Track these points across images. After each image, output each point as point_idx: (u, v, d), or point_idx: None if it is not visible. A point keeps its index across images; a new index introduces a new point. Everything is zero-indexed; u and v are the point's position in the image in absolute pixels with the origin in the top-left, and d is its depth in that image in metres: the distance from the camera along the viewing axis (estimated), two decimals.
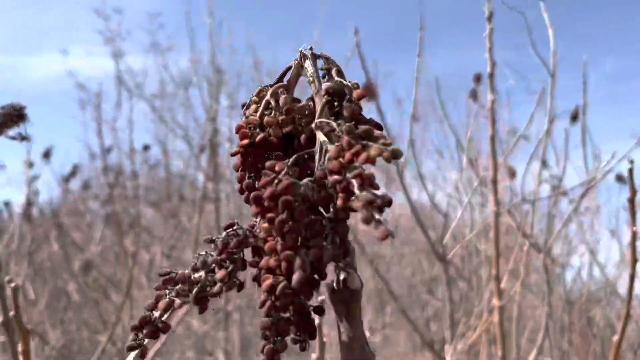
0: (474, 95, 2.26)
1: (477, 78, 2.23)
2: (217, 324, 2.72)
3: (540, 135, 2.14)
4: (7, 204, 2.58)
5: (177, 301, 0.44)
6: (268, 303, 0.43)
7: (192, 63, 3.16)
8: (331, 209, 0.44)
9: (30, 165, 2.65)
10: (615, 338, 1.06)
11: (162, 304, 0.44)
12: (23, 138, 1.01)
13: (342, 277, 0.44)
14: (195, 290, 0.43)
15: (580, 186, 2.16)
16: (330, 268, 0.45)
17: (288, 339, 0.45)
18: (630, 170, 1.02)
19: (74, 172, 2.92)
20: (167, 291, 0.44)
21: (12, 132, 1.02)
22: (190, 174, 3.36)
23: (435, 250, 1.96)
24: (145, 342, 0.44)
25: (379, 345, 2.68)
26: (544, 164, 2.75)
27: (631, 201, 1.02)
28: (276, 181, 0.42)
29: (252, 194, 0.43)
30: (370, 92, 2.00)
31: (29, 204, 2.66)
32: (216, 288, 0.43)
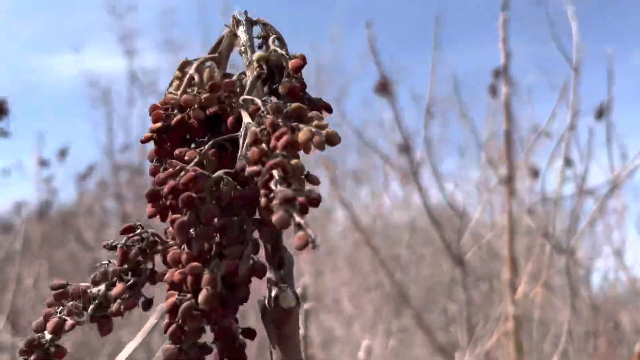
0: (493, 90, 2.17)
1: (497, 73, 2.14)
2: None
3: (564, 132, 2.05)
4: (19, 205, 2.58)
5: (69, 321, 0.36)
6: (173, 327, 0.35)
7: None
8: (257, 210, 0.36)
9: (45, 164, 2.64)
10: (638, 347, 0.99)
11: (50, 325, 0.36)
12: (3, 133, 0.99)
13: (274, 293, 0.36)
14: (90, 308, 0.36)
15: (605, 185, 2.07)
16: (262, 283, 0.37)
17: None
18: None
19: (88, 172, 2.92)
20: (60, 308, 0.37)
21: None
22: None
23: (451, 251, 1.89)
24: None
25: (396, 348, 2.61)
26: (567, 162, 2.65)
27: None
28: (181, 173, 0.35)
29: (147, 190, 0.35)
30: (384, 87, 1.94)
31: (43, 204, 2.66)
32: (114, 306, 0.36)
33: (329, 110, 0.38)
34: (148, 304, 0.37)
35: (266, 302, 0.37)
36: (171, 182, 0.34)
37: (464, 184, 2.95)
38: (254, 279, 0.36)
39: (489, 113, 2.53)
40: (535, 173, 2.69)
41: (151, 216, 0.36)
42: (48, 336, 0.36)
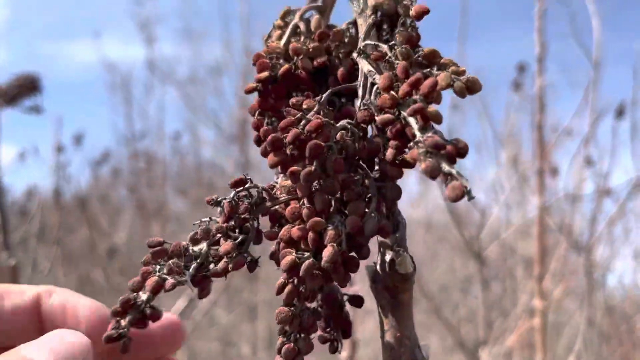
0: (516, 86, 2.14)
1: (521, 68, 2.12)
2: (243, 316, 2.68)
3: (585, 131, 2.02)
4: (32, 191, 2.58)
5: (170, 281, 0.33)
6: (289, 287, 0.32)
7: (225, 48, 3.12)
8: (377, 165, 0.33)
9: (61, 149, 2.64)
10: None
11: (150, 283, 0.33)
12: (37, 110, 0.98)
13: (388, 258, 0.33)
14: (192, 267, 0.33)
15: (627, 185, 2.04)
16: (372, 245, 0.34)
17: (314, 336, 0.34)
18: None
19: (104, 157, 2.92)
20: (158, 267, 0.34)
21: (27, 103, 0.98)
22: (220, 162, 3.33)
23: (470, 247, 1.86)
24: (127, 332, 0.33)
25: None
26: (589, 161, 2.62)
27: None
28: (303, 121, 0.31)
29: (269, 137, 0.32)
30: None
31: (58, 189, 2.66)
32: (220, 265, 0.33)
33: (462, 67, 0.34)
34: (255, 265, 0.34)
35: (379, 267, 0.33)
36: (294, 130, 0.31)
37: (481, 182, 2.92)
38: None
39: (509, 109, 2.50)
40: (555, 172, 2.66)
41: (273, 166, 0.33)
42: (144, 296, 0.33)
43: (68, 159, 2.68)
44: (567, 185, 2.16)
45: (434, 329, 2.67)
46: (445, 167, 0.26)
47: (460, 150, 0.27)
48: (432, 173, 0.26)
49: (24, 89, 0.94)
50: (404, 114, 0.29)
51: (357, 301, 0.35)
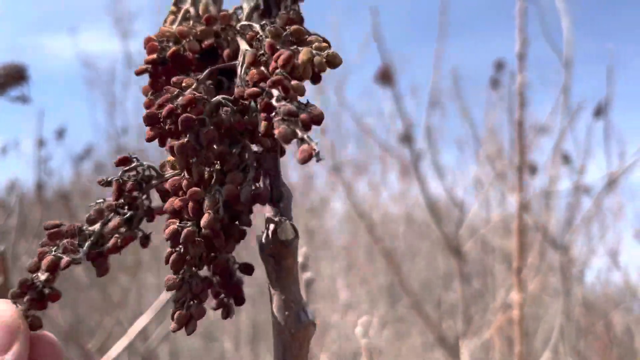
0: (494, 84, 2.18)
1: (499, 65, 2.16)
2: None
3: (560, 129, 2.07)
4: (13, 184, 2.56)
5: (65, 259, 0.34)
6: (174, 256, 0.34)
7: None
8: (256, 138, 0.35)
9: (42, 144, 2.63)
10: None
11: (45, 262, 0.34)
12: (24, 99, 0.98)
13: (271, 226, 0.35)
14: (86, 244, 0.34)
15: (602, 181, 2.09)
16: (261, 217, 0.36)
17: (207, 304, 0.36)
18: None
19: (86, 152, 2.90)
20: (54, 248, 0.35)
21: (14, 92, 0.98)
22: None
23: (449, 243, 1.90)
24: (30, 313, 0.34)
25: (391, 338, 2.63)
26: (565, 158, 2.67)
27: None
28: (179, 98, 0.33)
29: (145, 113, 0.34)
30: (386, 75, 1.94)
31: (40, 184, 2.64)
32: (111, 241, 0.34)
33: (327, 43, 0.36)
34: (146, 239, 0.36)
35: (264, 236, 0.35)
36: (169, 105, 0.33)
37: (462, 178, 2.96)
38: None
39: (489, 107, 2.54)
40: (533, 171, 2.70)
41: (149, 140, 0.35)
42: (42, 277, 0.34)
43: (50, 154, 2.67)
44: (543, 182, 2.21)
45: (417, 324, 2.70)
46: (299, 132, 0.28)
47: (314, 118, 0.29)
48: (286, 138, 0.28)
49: (10, 78, 0.94)
50: (266, 87, 0.31)
51: (247, 269, 0.37)
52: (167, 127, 0.34)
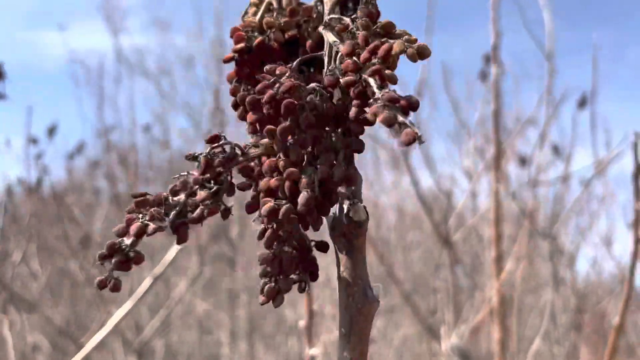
0: (483, 76, 2.20)
1: (487, 58, 2.17)
2: (222, 304, 2.70)
3: (544, 120, 2.09)
4: (5, 181, 2.56)
5: (151, 226, 0.36)
6: (269, 232, 0.37)
7: (196, 39, 3.12)
8: (344, 123, 0.37)
9: (34, 141, 2.63)
10: (616, 320, 1.02)
11: (134, 228, 0.36)
12: (1, 96, 0.99)
13: (345, 207, 0.37)
14: (172, 214, 0.36)
15: (589, 169, 2.11)
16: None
17: (292, 278, 0.38)
18: (636, 145, 0.98)
19: (78, 149, 2.91)
20: (141, 215, 0.37)
21: None
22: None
23: (439, 232, 1.92)
24: (114, 275, 0.37)
25: (383, 328, 2.65)
26: (555, 149, 2.70)
27: (636, 177, 0.98)
28: (278, 84, 0.36)
29: (247, 98, 0.37)
30: None
31: (36, 181, 2.65)
32: (197, 212, 0.37)
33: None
34: (227, 212, 0.38)
35: (337, 216, 0.38)
36: (270, 92, 0.36)
37: (452, 170, 2.99)
38: None
39: (478, 99, 2.56)
40: (523, 161, 2.73)
41: (252, 124, 0.37)
42: (128, 241, 0.36)
43: (41, 151, 2.67)
44: (531, 172, 2.24)
45: (407, 315, 2.73)
46: (400, 117, 0.31)
47: (412, 104, 0.32)
48: (389, 122, 0.31)
49: None
50: (364, 76, 0.34)
51: (323, 246, 0.40)
52: (266, 111, 0.36)
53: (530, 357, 1.93)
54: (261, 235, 0.37)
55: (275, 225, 0.37)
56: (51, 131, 2.76)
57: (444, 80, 2.32)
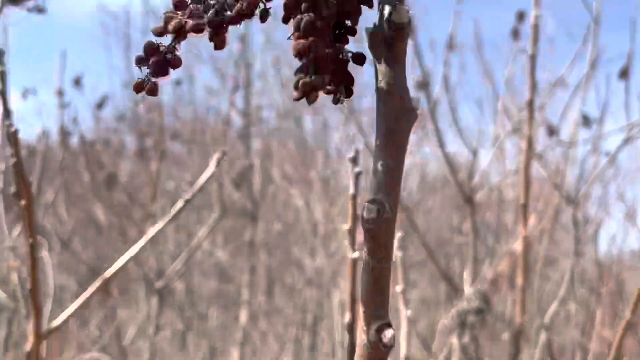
0: (515, 34, 2.16)
1: (520, 16, 2.14)
2: (241, 254, 2.74)
3: (580, 82, 2.05)
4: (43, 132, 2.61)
5: (190, 22, 0.35)
6: (306, 19, 0.34)
7: None
8: None
9: (62, 92, 2.67)
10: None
11: (172, 25, 0.35)
12: (40, 9, 1.01)
13: (386, 10, 0.35)
14: (211, 11, 0.35)
15: (619, 132, 2.08)
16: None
17: (326, 78, 0.35)
18: None
19: (103, 101, 2.94)
20: (180, 13, 0.36)
21: (29, 3, 1.01)
22: (222, 110, 3.35)
23: (462, 191, 1.92)
24: (151, 79, 0.36)
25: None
26: (586, 119, 2.64)
27: None
28: None
29: None
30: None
31: (64, 131, 2.69)
32: (236, 7, 0.35)
33: None
34: (266, 12, 0.36)
35: (377, 21, 0.36)
36: None
37: (480, 136, 2.95)
38: None
39: (508, 60, 2.52)
40: (552, 131, 2.68)
41: None
42: (167, 41, 0.36)
43: (69, 101, 2.71)
44: (561, 135, 2.21)
45: (427, 275, 2.74)
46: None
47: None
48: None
49: None
50: None
51: (359, 58, 0.38)
52: None
53: (547, 318, 1.94)
54: (296, 25, 0.35)
55: (312, 14, 0.34)
56: (77, 82, 2.79)
57: (474, 40, 2.28)
